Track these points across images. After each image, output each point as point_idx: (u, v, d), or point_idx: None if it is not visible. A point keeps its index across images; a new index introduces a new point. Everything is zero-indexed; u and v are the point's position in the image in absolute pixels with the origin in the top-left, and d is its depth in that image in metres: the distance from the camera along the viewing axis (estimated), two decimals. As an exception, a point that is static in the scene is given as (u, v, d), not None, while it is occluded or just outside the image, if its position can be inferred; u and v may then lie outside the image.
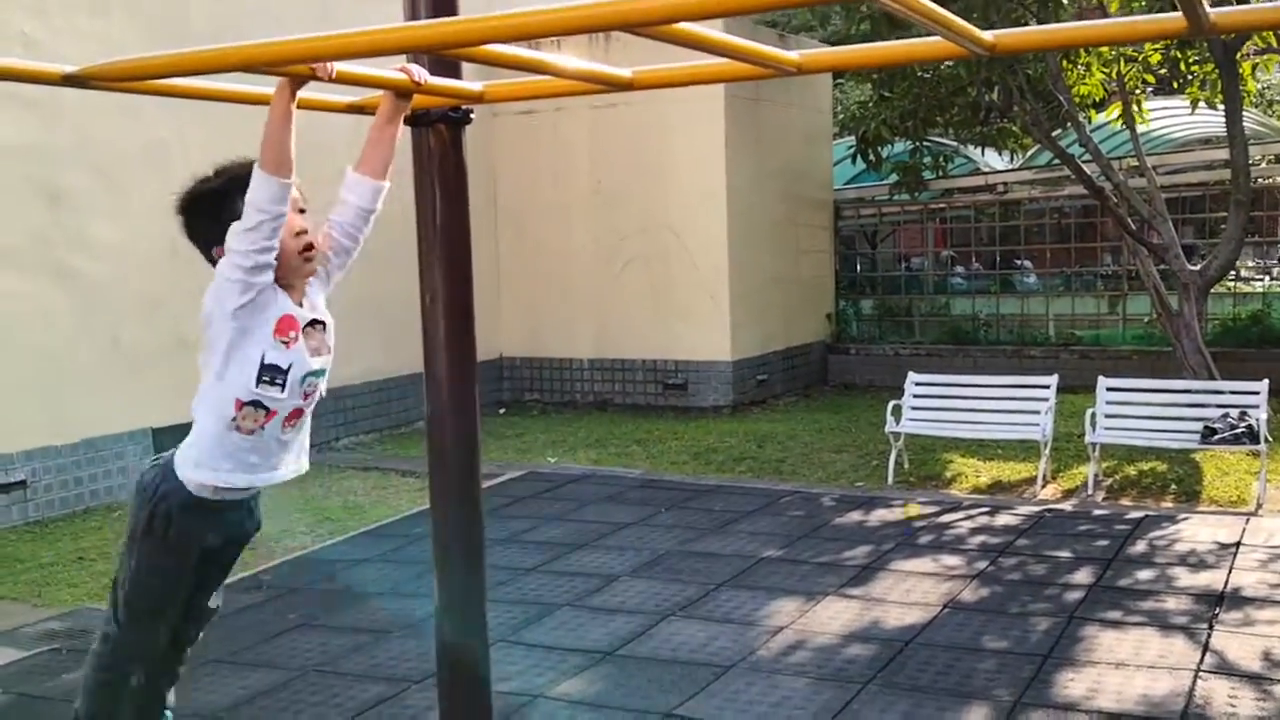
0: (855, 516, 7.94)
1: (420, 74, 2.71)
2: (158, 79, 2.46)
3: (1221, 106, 10.85)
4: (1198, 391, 9.17)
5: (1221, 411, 8.53)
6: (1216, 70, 10.59)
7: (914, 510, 8.00)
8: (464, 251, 3.15)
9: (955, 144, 15.78)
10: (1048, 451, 8.81)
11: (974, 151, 17.15)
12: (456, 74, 2.93)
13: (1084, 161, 11.73)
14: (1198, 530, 7.27)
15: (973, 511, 7.98)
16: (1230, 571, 6.39)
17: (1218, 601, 5.91)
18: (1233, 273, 13.19)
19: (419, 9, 2.98)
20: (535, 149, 13.11)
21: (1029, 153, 16.27)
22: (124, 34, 8.97)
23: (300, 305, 3.17)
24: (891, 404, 9.27)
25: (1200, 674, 4.97)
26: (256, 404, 3.08)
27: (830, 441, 10.72)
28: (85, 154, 8.97)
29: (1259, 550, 6.78)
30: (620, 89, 2.60)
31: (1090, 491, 8.42)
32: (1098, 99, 11.88)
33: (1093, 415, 8.65)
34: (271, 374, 3.07)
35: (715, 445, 10.73)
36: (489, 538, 7.40)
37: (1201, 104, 11.65)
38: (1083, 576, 6.39)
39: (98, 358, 9.07)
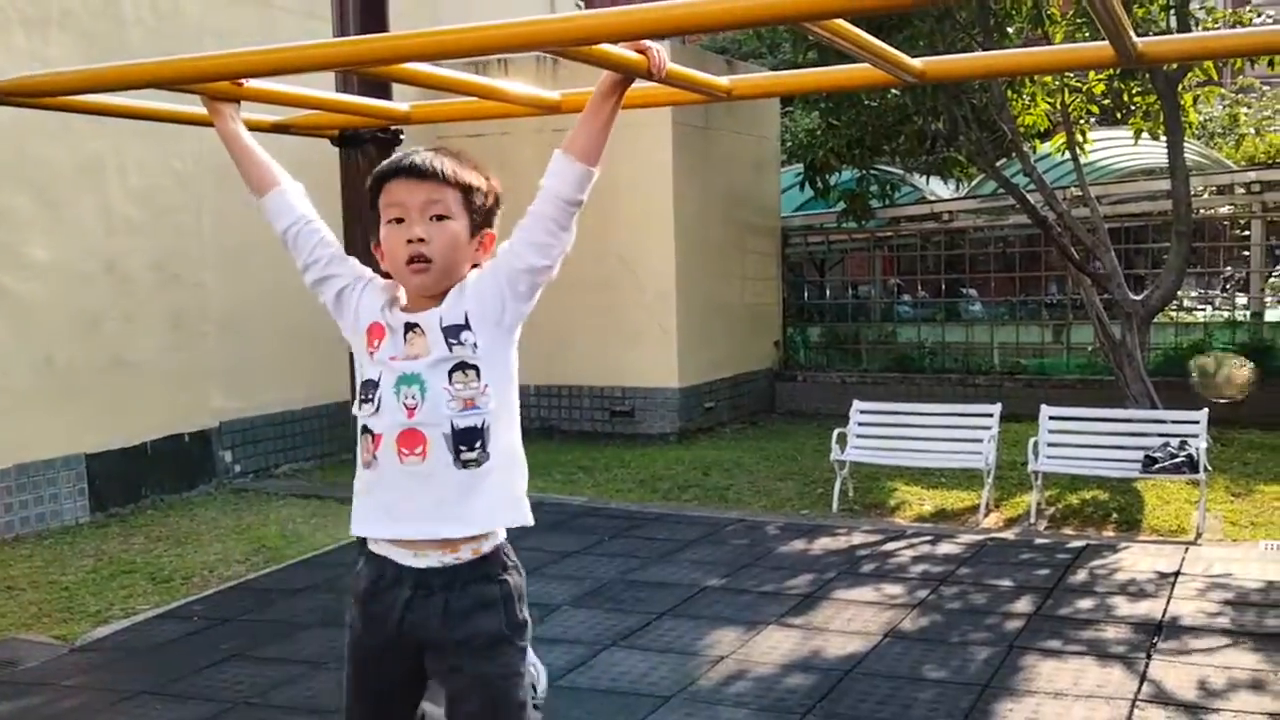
0: (799, 545, 7.91)
1: (660, 59, 2.32)
2: (72, 94, 2.39)
3: (1164, 138, 10.99)
4: (1139, 420, 9.24)
5: (1162, 440, 8.60)
6: (1159, 102, 10.73)
7: (859, 539, 7.98)
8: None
9: (902, 172, 15.91)
10: (991, 480, 8.83)
11: (920, 180, 17.29)
12: (386, 94, 2.87)
13: (1028, 191, 11.83)
14: (1138, 559, 7.30)
15: (915, 540, 7.97)
16: (1169, 601, 6.41)
17: (1156, 631, 5.93)
18: (1175, 303, 13.35)
19: (348, 26, 2.93)
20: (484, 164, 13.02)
21: (974, 182, 16.43)
22: (61, 53, 8.82)
23: (402, 310, 2.63)
24: (837, 432, 9.26)
25: (1138, 704, 4.97)
26: (364, 430, 2.59)
27: (776, 469, 10.70)
28: (17, 171, 8.80)
29: (1197, 579, 6.81)
30: (548, 111, 2.56)
31: (1032, 520, 8.44)
32: (1042, 129, 12.00)
33: (1035, 444, 8.68)
34: (366, 391, 2.59)
35: (661, 473, 10.67)
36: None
37: (1145, 135, 11.80)
38: (1023, 605, 6.39)
39: (30, 379, 8.87)
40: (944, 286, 15.81)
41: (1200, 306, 16.93)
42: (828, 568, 7.27)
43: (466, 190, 2.55)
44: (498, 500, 2.60)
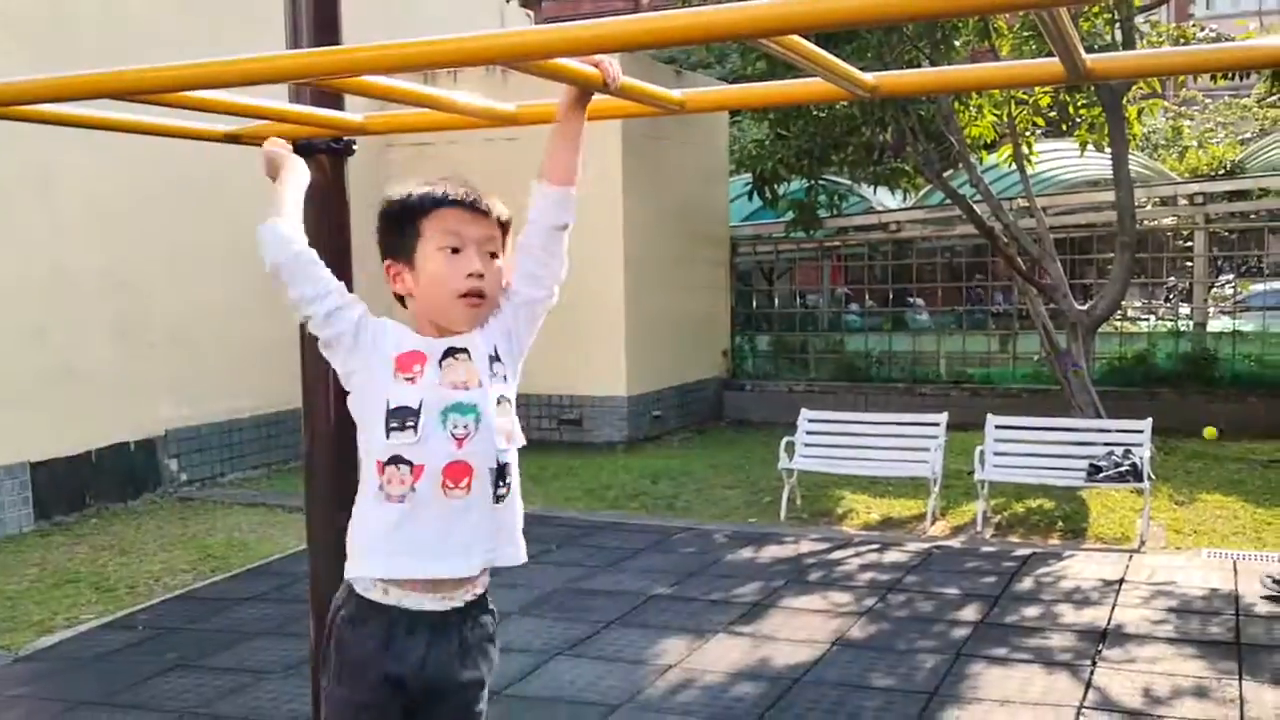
0: (746, 553, 7.94)
1: (614, 71, 2.34)
2: (16, 105, 2.35)
3: (1109, 150, 11.16)
4: (1084, 430, 9.36)
5: (1107, 450, 8.71)
6: (1104, 114, 10.89)
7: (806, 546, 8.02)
8: (345, 283, 3.06)
9: (850, 183, 16.03)
10: (937, 489, 8.91)
11: (868, 190, 17.43)
12: (338, 105, 2.86)
13: (975, 201, 11.97)
14: (1083, 567, 7.39)
15: (862, 548, 8.03)
16: (1114, 608, 6.50)
17: (1101, 638, 6.00)
18: (1119, 313, 13.55)
19: (301, 38, 2.91)
20: (432, 173, 12.96)
21: (921, 192, 16.59)
22: (8, 58, 8.68)
23: (437, 336, 2.50)
24: (785, 440, 9.30)
25: (1083, 711, 5.03)
26: (395, 460, 2.40)
27: (724, 478, 10.73)
28: (-40, 178, 8.67)
29: (1141, 587, 6.91)
30: (504, 124, 2.56)
31: (979, 528, 8.53)
32: (989, 140, 12.16)
33: (981, 453, 8.77)
34: (400, 418, 2.40)
35: (609, 481, 10.66)
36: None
37: (1090, 147, 11.97)
38: (970, 613, 6.46)
39: (-30, 388, 8.73)
40: (891, 296, 15.94)
41: (1144, 316, 17.17)
42: (775, 576, 7.30)
43: (505, 230, 2.56)
44: (518, 532, 2.56)
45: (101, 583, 7.52)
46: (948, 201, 12.80)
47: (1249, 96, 24.33)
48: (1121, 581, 7.01)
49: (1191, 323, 14.35)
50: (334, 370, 2.64)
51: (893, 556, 7.76)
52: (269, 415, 11.25)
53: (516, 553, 2.55)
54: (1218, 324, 15.05)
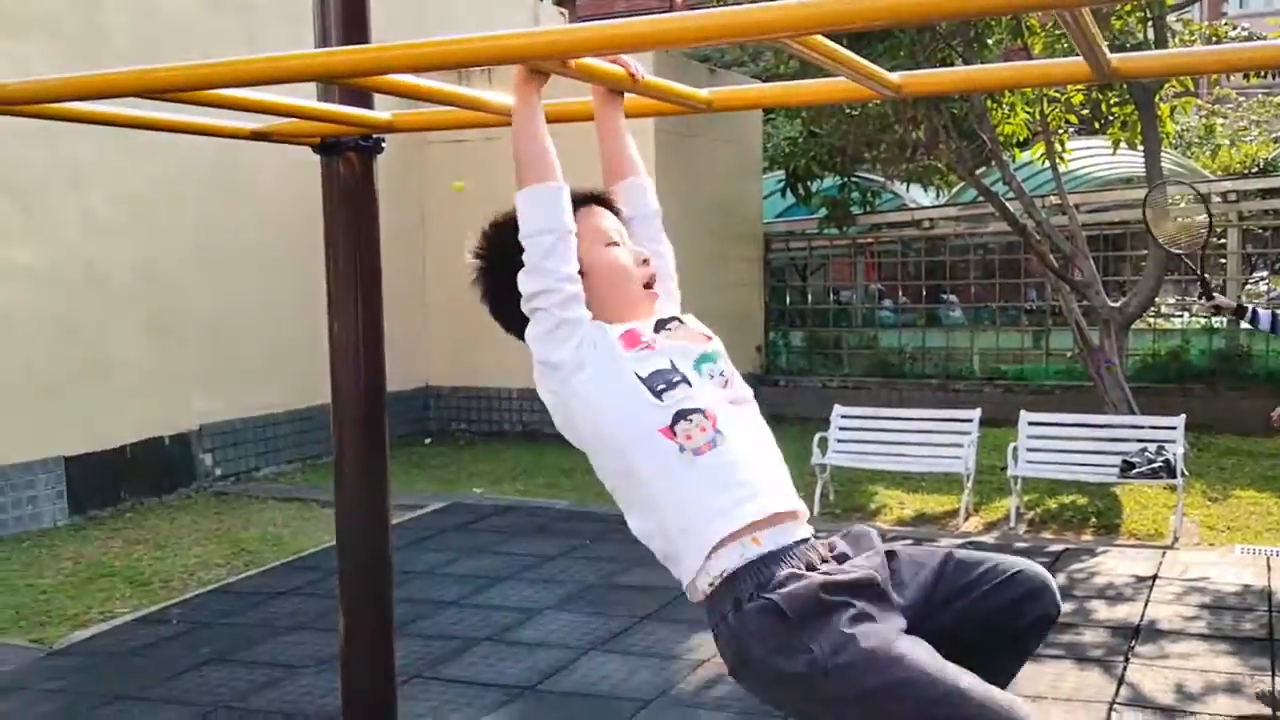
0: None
1: (637, 67, 2.31)
2: (48, 103, 2.39)
3: (1141, 147, 11.07)
4: (1117, 426, 9.30)
5: (1140, 446, 8.65)
6: (1136, 112, 10.81)
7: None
8: (374, 281, 3.10)
9: (882, 180, 15.98)
10: (970, 484, 8.88)
11: (900, 187, 17.37)
12: (367, 103, 2.89)
13: (1008, 199, 11.90)
14: (1116, 563, 7.35)
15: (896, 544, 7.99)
16: (1147, 604, 6.47)
17: (1134, 634, 5.98)
18: (1153, 309, 13.44)
19: (330, 36, 2.94)
20: (467, 176, 13.03)
21: (954, 189, 16.50)
22: (41, 56, 8.79)
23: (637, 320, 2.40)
24: (818, 436, 9.29)
25: (1115, 707, 5.02)
26: (681, 415, 2.22)
27: (757, 473, 10.71)
28: (-2, 176, 8.79)
29: (1175, 583, 6.87)
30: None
31: (1012, 524, 8.50)
32: (1022, 138, 12.08)
33: (1014, 449, 8.74)
34: (664, 378, 2.25)
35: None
36: (409, 570, 7.36)
37: (1123, 145, 11.88)
38: (1002, 610, 6.43)
39: (8, 382, 8.84)
40: (924, 292, 15.88)
41: (1178, 313, 17.01)
42: (808, 572, 7.29)
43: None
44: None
45: (136, 577, 7.60)
46: (980, 199, 12.72)
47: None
48: (1155, 578, 6.97)
49: (1225, 319, 14.20)
50: (364, 371, 2.65)
51: (924, 553, 7.73)
52: (303, 409, 11.33)
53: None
54: (1255, 320, 14.90)
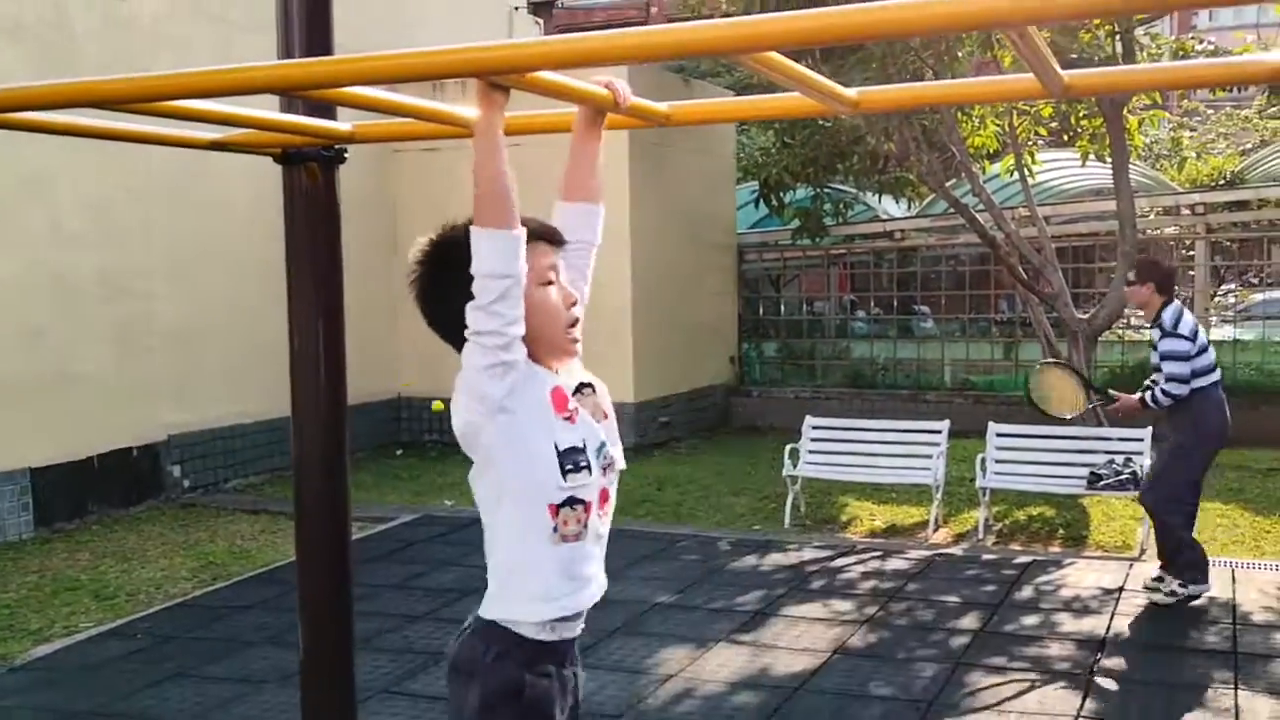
0: (750, 561, 7.94)
1: (624, 91, 2.35)
2: (13, 112, 2.37)
3: (1110, 160, 11.15)
4: (1085, 438, 9.33)
5: (1107, 458, 8.69)
6: (1105, 125, 10.88)
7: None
8: (335, 291, 3.09)
9: (855, 191, 16.03)
10: (940, 496, 8.91)
11: (873, 198, 17.44)
12: (329, 115, 2.88)
13: (978, 211, 11.96)
14: (1083, 575, 7.39)
15: (865, 556, 8.02)
16: (1113, 617, 6.49)
17: (1099, 647, 6.00)
18: (1122, 321, 13.52)
19: (293, 48, 2.93)
20: (437, 186, 12.97)
21: (926, 201, 16.59)
22: (10, 63, 8.73)
23: (557, 373, 2.51)
24: (789, 447, 9.31)
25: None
26: (572, 501, 2.43)
27: (729, 484, 10.74)
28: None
29: (1141, 595, 6.89)
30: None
31: (980, 536, 8.53)
32: (992, 150, 12.16)
33: (983, 460, 8.77)
34: (574, 459, 2.42)
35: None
36: (379, 584, 7.32)
37: (1092, 157, 11.96)
38: (969, 622, 6.45)
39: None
40: (896, 303, 15.95)
41: (1148, 325, 17.13)
42: (778, 584, 7.30)
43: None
44: None
45: (101, 590, 7.53)
46: (951, 211, 12.79)
47: (1250, 108, 24.34)
48: (1121, 590, 7.00)
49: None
50: (323, 380, 2.63)
51: (895, 564, 7.76)
52: (272, 421, 11.25)
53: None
54: (1220, 333, 15.02)
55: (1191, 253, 15.17)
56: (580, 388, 2.52)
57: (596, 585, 2.53)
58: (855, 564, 7.82)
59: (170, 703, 5.50)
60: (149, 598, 7.38)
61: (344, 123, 2.83)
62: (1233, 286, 19.94)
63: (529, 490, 2.40)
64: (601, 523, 2.51)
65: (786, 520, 9.04)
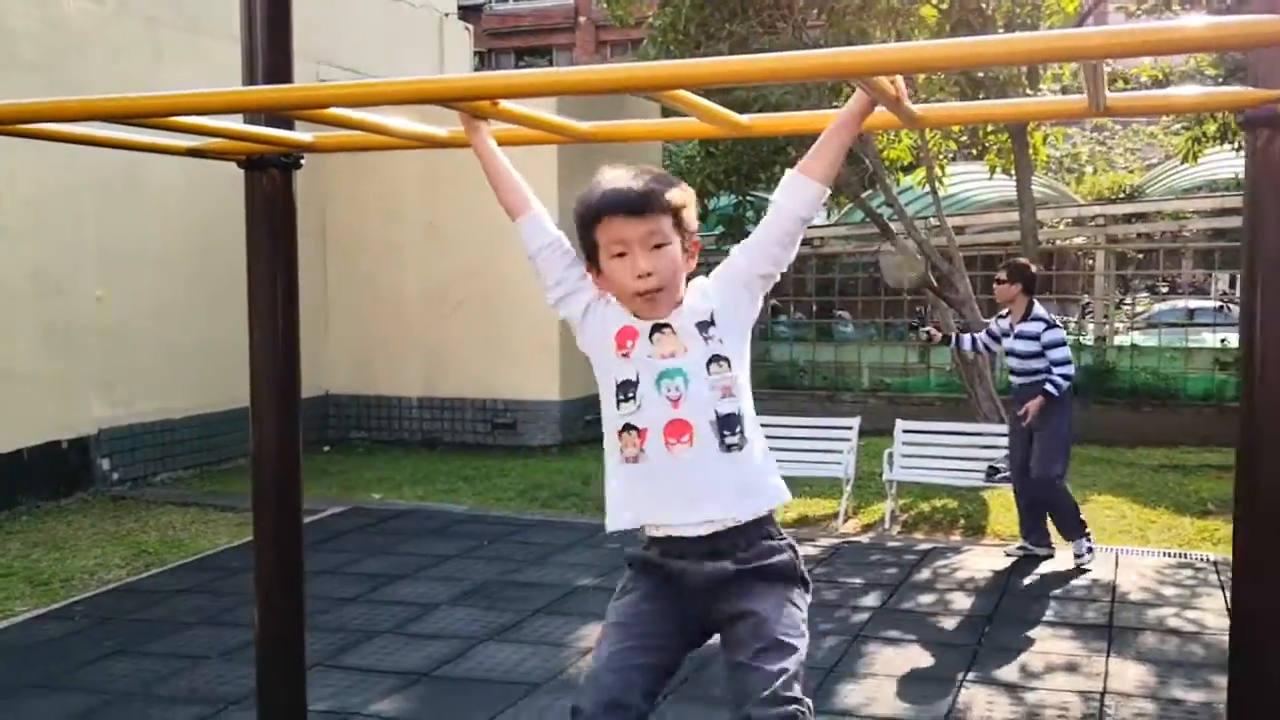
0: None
1: (903, 90, 2.51)
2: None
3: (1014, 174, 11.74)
4: (986, 434, 9.87)
5: (1005, 452, 9.21)
6: (1010, 140, 11.47)
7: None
8: (292, 290, 3.42)
9: (777, 198, 16.50)
10: (850, 489, 9.39)
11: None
12: (289, 125, 3.22)
13: (891, 220, 12.51)
14: (979, 560, 7.89)
15: (777, 544, 8.45)
16: (1002, 596, 7.00)
17: (987, 622, 6.49)
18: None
19: (257, 76, 3.26)
20: (368, 187, 13.26)
21: (845, 210, 17.14)
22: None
23: (638, 315, 2.81)
24: (760, 429, 9.68)
25: (965, 684, 5.49)
26: (626, 428, 2.74)
27: (650, 480, 11.09)
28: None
29: (1030, 578, 7.42)
30: (437, 147, 2.94)
31: (887, 526, 9.01)
32: (906, 163, 12.70)
33: (890, 455, 9.27)
34: (625, 391, 2.75)
35: (542, 482, 11.02)
36: (311, 570, 7.57)
37: (1000, 170, 12.56)
38: (870, 600, 6.92)
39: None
40: (815, 308, 16.49)
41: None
42: (693, 570, 7.69)
43: (676, 213, 2.79)
44: (762, 479, 2.80)
45: (35, 577, 7.70)
46: (868, 219, 13.33)
47: (1158, 124, 25.27)
48: (1011, 573, 7.51)
49: (1094, 337, 15.02)
50: (280, 370, 3.00)
51: (805, 550, 7.97)
52: (202, 416, 11.47)
53: (775, 493, 2.83)
54: (1120, 339, 15.76)
55: (1090, 260, 15.88)
56: (659, 327, 2.78)
57: (684, 511, 2.74)
58: (768, 551, 8.24)
59: (115, 676, 5.75)
60: (84, 583, 7.59)
61: (305, 133, 3.18)
62: (1146, 295, 20.78)
63: (607, 417, 2.80)
64: (670, 451, 2.70)
65: (704, 512, 9.42)
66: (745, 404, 2.80)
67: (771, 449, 8.64)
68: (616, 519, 2.83)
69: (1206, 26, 1.91)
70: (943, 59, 1.95)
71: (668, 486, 2.73)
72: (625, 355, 2.77)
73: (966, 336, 8.45)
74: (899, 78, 2.42)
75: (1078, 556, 7.65)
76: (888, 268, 8.94)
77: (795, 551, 2.84)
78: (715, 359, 2.76)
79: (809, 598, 2.85)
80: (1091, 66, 2.12)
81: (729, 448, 2.72)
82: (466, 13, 19.86)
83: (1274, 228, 2.76)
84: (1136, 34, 1.85)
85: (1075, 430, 7.95)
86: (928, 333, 8.84)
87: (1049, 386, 7.46)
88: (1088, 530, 7.78)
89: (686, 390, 2.72)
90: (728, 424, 2.72)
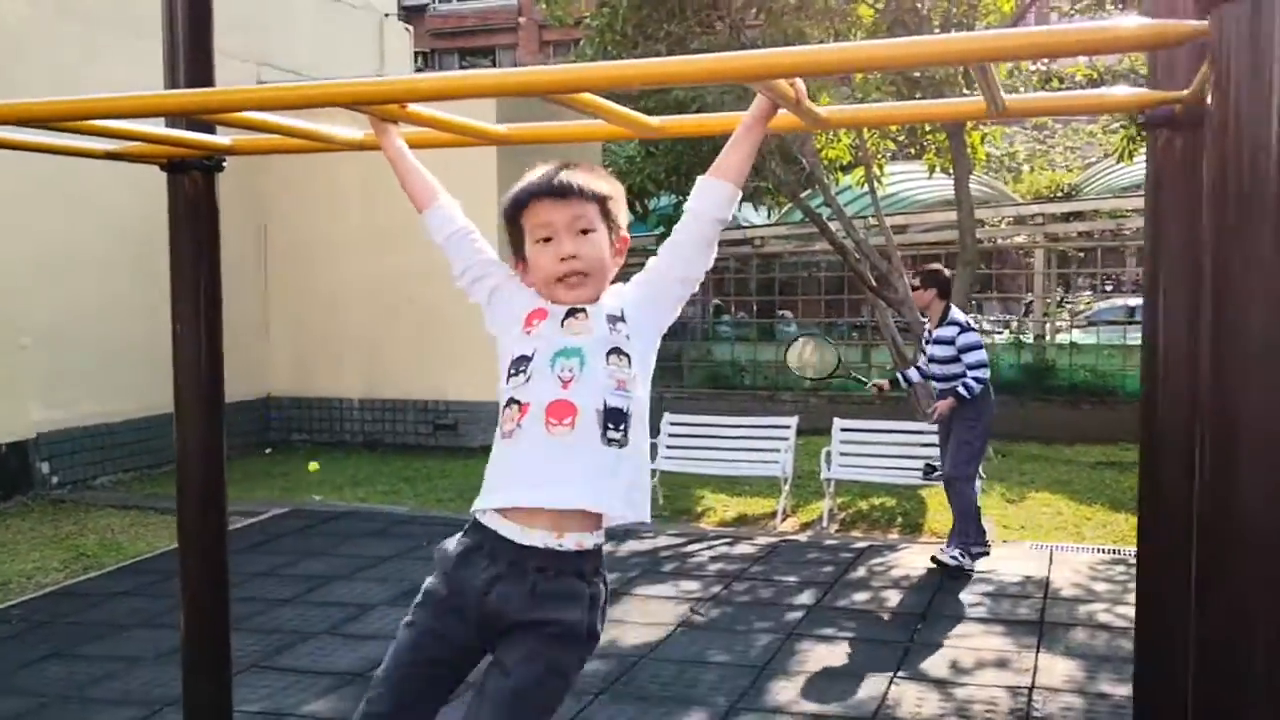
0: (607, 547, 8.24)
1: (803, 92, 2.45)
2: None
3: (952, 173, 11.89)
4: (924, 433, 9.99)
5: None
6: (948, 139, 11.62)
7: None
8: (215, 294, 3.43)
9: (718, 199, 16.60)
10: (788, 487, 9.48)
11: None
12: (210, 129, 3.23)
13: (830, 220, 12.63)
14: (914, 558, 8.00)
15: (715, 542, 8.55)
16: (935, 594, 7.11)
17: (920, 619, 6.59)
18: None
19: (179, 79, 3.26)
20: (309, 188, 13.20)
21: (785, 209, 17.27)
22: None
23: (552, 300, 2.72)
24: (648, 442, 9.76)
25: (895, 680, 5.58)
26: (510, 402, 2.63)
27: (592, 479, 11.13)
28: None
29: (962, 575, 7.52)
30: (356, 149, 2.97)
31: (825, 524, 9.11)
32: (845, 162, 12.82)
33: (827, 453, 9.37)
34: (517, 365, 2.64)
35: (481, 484, 10.98)
36: (249, 572, 7.59)
37: (938, 169, 12.70)
38: (805, 598, 7.01)
39: None
40: (756, 308, 16.60)
41: (999, 330, 18.10)
42: (632, 568, 7.77)
43: (603, 202, 2.73)
44: (630, 487, 2.63)
45: (-29, 581, 7.65)
46: (807, 219, 13.45)
47: (1097, 123, 25.67)
48: (945, 569, 7.61)
49: (1033, 335, 15.24)
50: (204, 374, 3.01)
51: (742, 549, 8.29)
52: (141, 419, 11.37)
53: (627, 511, 2.64)
54: (1067, 337, 16.00)
55: (1030, 259, 16.11)
56: (573, 312, 2.67)
57: (542, 490, 2.57)
58: (705, 550, 8.33)
59: (48, 680, 5.72)
60: (21, 587, 7.52)
61: (224, 136, 3.19)
62: (1089, 294, 21.07)
63: (499, 391, 2.68)
64: (549, 432, 2.55)
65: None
66: (637, 407, 2.65)
67: (711, 448, 8.67)
68: (482, 499, 2.66)
69: (1097, 29, 1.95)
70: (828, 63, 2.01)
71: (531, 464, 2.59)
72: (528, 333, 2.68)
73: (911, 371, 8.51)
74: (798, 80, 2.39)
75: (953, 558, 7.51)
76: (794, 354, 9.03)
77: (602, 592, 2.72)
78: (617, 351, 2.65)
79: (591, 651, 2.73)
80: (980, 69, 2.18)
81: (610, 441, 2.57)
82: (410, 13, 19.82)
83: (1174, 227, 2.83)
84: (1021, 37, 1.90)
85: (992, 431, 8.10)
86: (877, 386, 8.87)
87: (960, 389, 7.58)
88: (986, 540, 7.74)
89: (580, 372, 2.60)
90: (614, 417, 2.59)
